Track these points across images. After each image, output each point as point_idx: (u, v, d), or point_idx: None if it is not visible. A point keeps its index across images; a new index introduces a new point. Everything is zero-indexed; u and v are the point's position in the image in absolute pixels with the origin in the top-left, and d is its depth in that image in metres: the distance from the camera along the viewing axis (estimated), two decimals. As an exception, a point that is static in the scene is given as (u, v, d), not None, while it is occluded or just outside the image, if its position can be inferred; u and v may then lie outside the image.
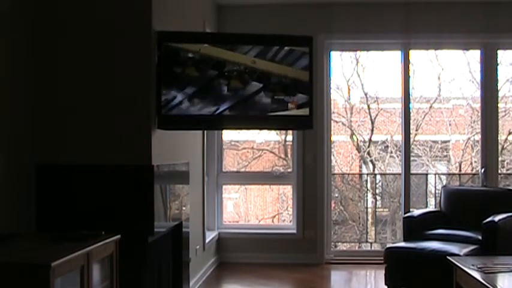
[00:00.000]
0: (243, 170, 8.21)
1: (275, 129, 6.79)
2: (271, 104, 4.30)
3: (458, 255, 4.55)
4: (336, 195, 8.34)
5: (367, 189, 8.58)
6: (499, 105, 6.81)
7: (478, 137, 7.28)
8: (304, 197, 6.69)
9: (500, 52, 6.78)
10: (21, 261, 2.68)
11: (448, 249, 4.83)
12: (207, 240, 6.02)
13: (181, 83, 4.04)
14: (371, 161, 8.89)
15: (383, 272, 5.19)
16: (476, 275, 3.53)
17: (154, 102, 3.86)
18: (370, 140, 8.82)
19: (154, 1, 3.83)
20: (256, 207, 9.25)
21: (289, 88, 4.35)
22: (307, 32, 6.38)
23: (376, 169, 8.95)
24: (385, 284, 5.18)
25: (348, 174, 8.93)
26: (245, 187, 8.89)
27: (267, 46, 4.30)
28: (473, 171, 8.33)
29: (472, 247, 4.95)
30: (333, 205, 7.38)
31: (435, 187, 8.14)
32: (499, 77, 6.76)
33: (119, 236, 3.33)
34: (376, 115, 8.78)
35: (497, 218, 5.03)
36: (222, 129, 6.49)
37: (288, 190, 7.96)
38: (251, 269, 6.26)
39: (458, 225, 5.44)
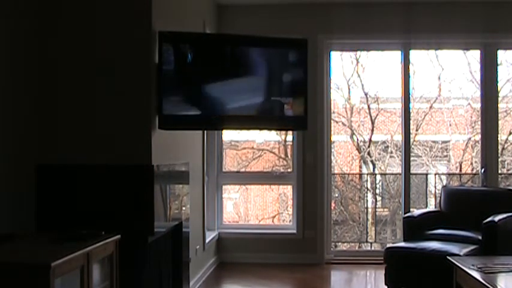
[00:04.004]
0: (243, 170, 8.21)
1: (272, 129, 6.79)
2: (268, 105, 4.37)
3: (458, 255, 4.55)
4: (336, 195, 8.34)
5: (367, 189, 8.58)
6: (499, 105, 6.80)
7: (478, 137, 7.28)
8: (304, 197, 6.68)
9: (500, 52, 6.77)
10: (21, 261, 2.68)
11: (448, 249, 4.83)
12: (207, 240, 6.02)
13: (182, 83, 4.05)
14: (371, 161, 8.89)
15: (383, 272, 5.20)
16: (476, 275, 3.53)
17: (154, 102, 3.86)
18: (370, 140, 8.82)
19: (154, 1, 3.83)
20: (256, 207, 9.25)
21: (285, 89, 4.45)
22: (307, 32, 6.47)
23: (376, 169, 8.95)
24: (385, 284, 5.18)
25: (348, 174, 8.93)
26: (245, 187, 8.89)
27: (264, 48, 4.39)
28: (474, 171, 8.33)
29: (472, 247, 4.95)
30: (333, 205, 7.37)
31: (435, 187, 8.14)
32: (499, 77, 6.76)
33: (119, 236, 3.33)
34: (377, 115, 8.78)
35: (497, 218, 5.03)
36: (222, 129, 6.49)
37: (288, 190, 7.95)
38: (251, 269, 6.26)
39: (458, 225, 5.44)
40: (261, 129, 6.18)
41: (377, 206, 8.60)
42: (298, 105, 4.47)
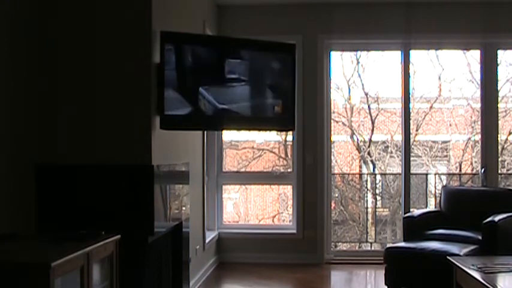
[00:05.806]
0: (243, 170, 8.21)
1: (264, 130, 6.75)
2: (260, 106, 4.55)
3: (458, 255, 4.55)
4: (336, 195, 8.34)
5: (367, 189, 8.57)
6: (499, 105, 6.81)
7: (478, 137, 7.28)
8: (304, 197, 6.69)
9: (500, 52, 6.78)
10: (21, 261, 2.68)
11: (448, 249, 4.83)
12: (207, 240, 6.02)
13: (183, 83, 4.06)
14: (371, 161, 8.89)
15: (383, 272, 5.20)
16: (476, 275, 3.53)
17: (155, 103, 3.86)
18: (370, 140, 8.82)
19: (154, 1, 3.83)
20: (256, 207, 9.25)
21: (275, 91, 4.63)
22: (307, 32, 6.49)
23: (376, 169, 8.95)
24: (385, 284, 5.19)
25: (348, 174, 8.92)
26: (245, 187, 8.89)
27: (256, 51, 4.55)
28: (473, 171, 8.33)
29: (472, 247, 4.95)
30: (333, 205, 7.37)
31: (435, 187, 8.14)
32: (499, 77, 6.76)
33: (119, 236, 3.33)
34: (377, 115, 8.77)
35: (497, 218, 5.03)
36: (221, 130, 6.50)
37: (288, 190, 7.95)
38: (251, 269, 6.26)
39: (458, 225, 5.44)
40: (253, 130, 6.24)
41: (377, 206, 8.59)
42: (287, 107, 4.67)
